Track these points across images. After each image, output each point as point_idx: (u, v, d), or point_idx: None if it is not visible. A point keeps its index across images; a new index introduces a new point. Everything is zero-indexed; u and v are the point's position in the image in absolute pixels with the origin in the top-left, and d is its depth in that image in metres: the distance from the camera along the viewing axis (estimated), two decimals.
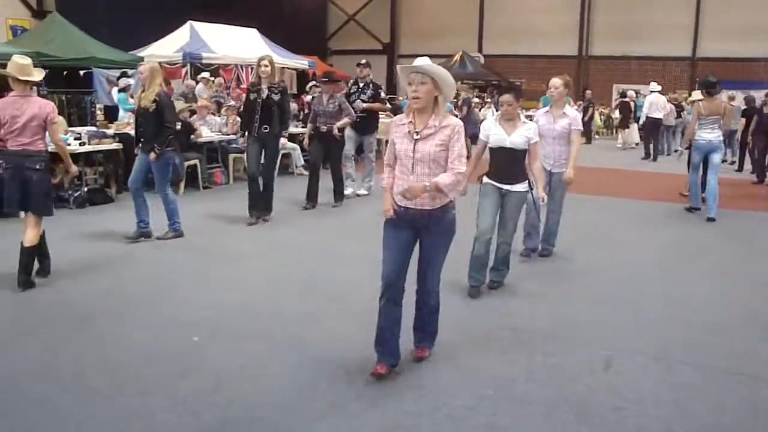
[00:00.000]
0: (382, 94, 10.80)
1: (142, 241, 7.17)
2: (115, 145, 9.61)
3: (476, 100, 19.08)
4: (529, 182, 5.59)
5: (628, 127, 20.23)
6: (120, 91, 14.03)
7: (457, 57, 24.39)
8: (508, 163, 5.51)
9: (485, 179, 5.60)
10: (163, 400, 3.72)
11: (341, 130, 9.24)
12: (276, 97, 7.97)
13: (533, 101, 20.10)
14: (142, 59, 15.09)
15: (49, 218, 5.89)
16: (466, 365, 4.27)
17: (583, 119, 26.64)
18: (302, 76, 19.07)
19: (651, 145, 17.38)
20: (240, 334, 4.69)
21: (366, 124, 9.93)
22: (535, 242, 6.91)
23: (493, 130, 5.56)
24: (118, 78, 14.35)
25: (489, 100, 21.03)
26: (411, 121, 3.91)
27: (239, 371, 4.11)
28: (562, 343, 4.69)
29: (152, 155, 6.99)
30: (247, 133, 8.20)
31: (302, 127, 12.43)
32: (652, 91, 17.46)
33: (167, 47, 15.77)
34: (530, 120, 6.02)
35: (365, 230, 6.87)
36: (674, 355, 4.51)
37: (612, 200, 10.73)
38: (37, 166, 5.57)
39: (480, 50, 28.12)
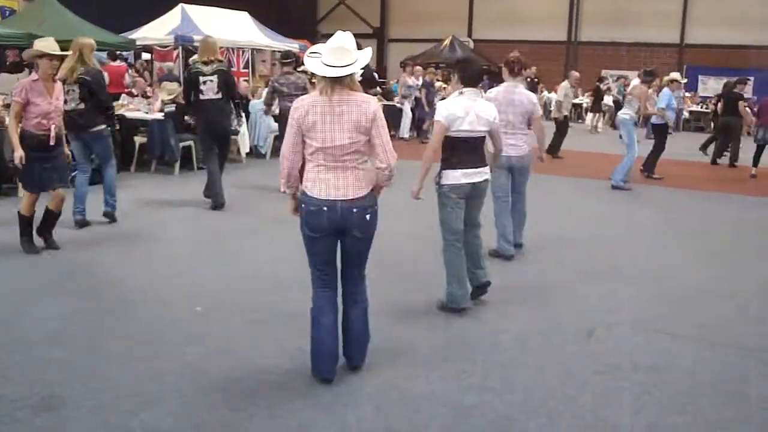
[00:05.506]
0: (376, 76, 10.84)
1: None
2: None
3: (440, 83, 16.89)
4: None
5: (599, 112, 20.66)
6: None
7: (447, 42, 24.54)
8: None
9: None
10: (172, 364, 3.94)
11: None
12: None
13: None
14: (133, 42, 15.19)
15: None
16: (458, 332, 4.53)
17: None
18: None
19: None
20: (242, 306, 4.91)
21: None
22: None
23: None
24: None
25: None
26: None
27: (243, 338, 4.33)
28: (550, 312, 4.96)
29: None
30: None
31: None
32: None
33: (158, 30, 15.77)
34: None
35: None
36: (652, 326, 4.78)
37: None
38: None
39: (470, 35, 28.24)
